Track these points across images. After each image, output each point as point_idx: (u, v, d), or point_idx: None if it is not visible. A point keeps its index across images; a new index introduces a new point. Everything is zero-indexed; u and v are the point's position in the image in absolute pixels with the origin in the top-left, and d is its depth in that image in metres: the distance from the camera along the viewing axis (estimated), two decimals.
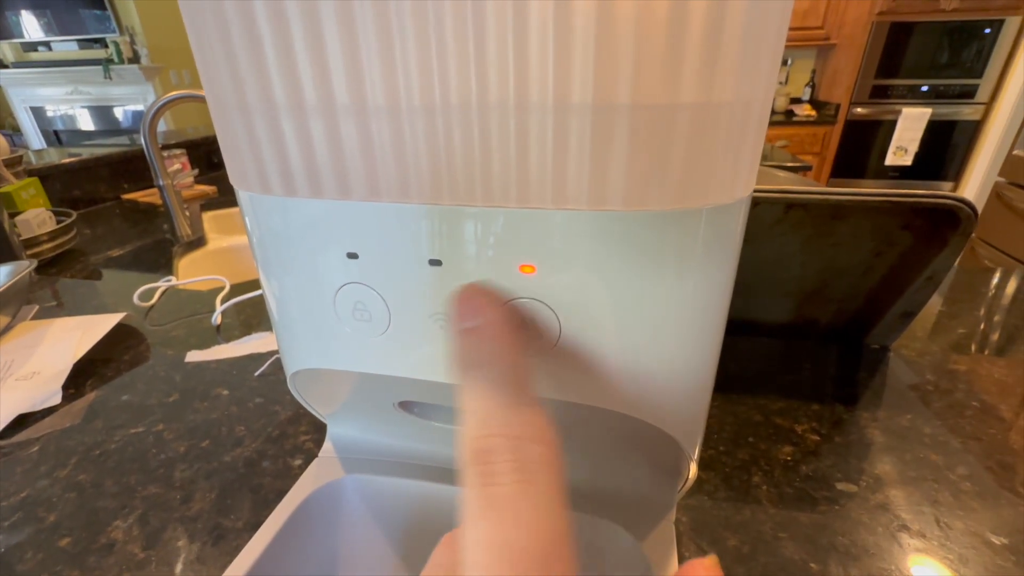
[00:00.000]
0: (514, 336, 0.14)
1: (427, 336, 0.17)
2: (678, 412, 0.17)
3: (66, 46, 3.55)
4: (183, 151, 1.08)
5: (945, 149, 2.63)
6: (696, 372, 0.17)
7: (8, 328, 0.49)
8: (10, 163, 0.86)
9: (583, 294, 0.15)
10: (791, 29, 2.63)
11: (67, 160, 1.02)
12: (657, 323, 0.15)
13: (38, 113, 3.86)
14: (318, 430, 0.36)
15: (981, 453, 0.33)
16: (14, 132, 3.87)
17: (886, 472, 0.32)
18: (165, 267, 0.72)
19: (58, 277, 0.67)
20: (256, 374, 0.43)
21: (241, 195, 0.17)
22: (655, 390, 0.17)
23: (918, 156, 2.61)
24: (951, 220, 0.33)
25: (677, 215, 0.14)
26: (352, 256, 0.16)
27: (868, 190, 0.34)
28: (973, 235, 0.34)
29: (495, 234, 0.15)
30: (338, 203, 0.15)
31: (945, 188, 2.63)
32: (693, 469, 0.20)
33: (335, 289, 0.17)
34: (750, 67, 0.12)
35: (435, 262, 0.15)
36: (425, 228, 0.15)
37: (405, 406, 0.23)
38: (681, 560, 0.26)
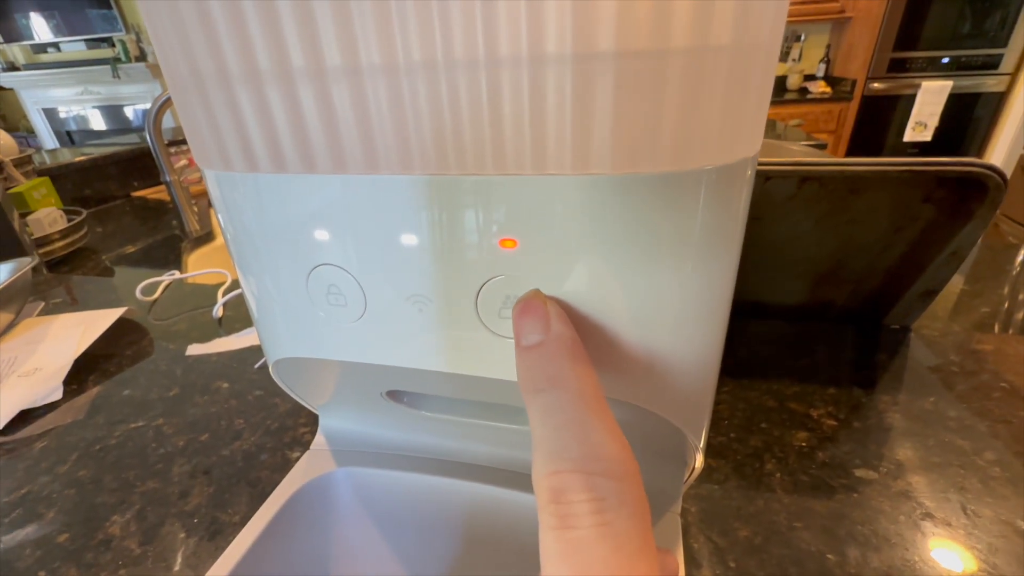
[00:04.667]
0: (579, 351, 0.13)
1: (406, 321, 0.16)
2: (682, 400, 0.16)
3: (75, 46, 3.58)
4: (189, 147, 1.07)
5: (967, 123, 2.53)
6: (701, 354, 0.16)
7: (12, 325, 0.50)
8: (19, 163, 0.86)
9: (570, 272, 0.14)
10: (803, 4, 2.56)
11: (78, 159, 1.03)
12: (655, 303, 0.14)
13: (51, 115, 3.91)
14: (316, 422, 0.35)
15: (1010, 438, 0.31)
16: (28, 134, 3.93)
17: (908, 458, 0.30)
18: (174, 263, 0.72)
19: (70, 275, 0.68)
20: (256, 366, 0.42)
21: (207, 175, 0.16)
22: (656, 376, 0.15)
23: (938, 131, 2.52)
24: (978, 189, 0.31)
25: (673, 178, 0.12)
26: (321, 235, 0.15)
27: (887, 159, 0.32)
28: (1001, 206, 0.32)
29: (471, 206, 0.13)
30: (303, 178, 0.14)
31: None
32: (699, 459, 0.19)
33: (307, 272, 0.16)
34: (752, 5, 0.11)
35: (408, 239, 0.14)
36: (395, 202, 0.14)
37: (394, 396, 0.22)
38: (689, 553, 0.25)
